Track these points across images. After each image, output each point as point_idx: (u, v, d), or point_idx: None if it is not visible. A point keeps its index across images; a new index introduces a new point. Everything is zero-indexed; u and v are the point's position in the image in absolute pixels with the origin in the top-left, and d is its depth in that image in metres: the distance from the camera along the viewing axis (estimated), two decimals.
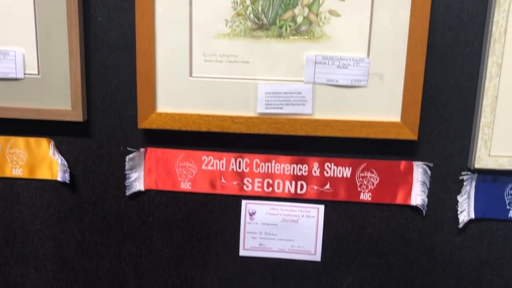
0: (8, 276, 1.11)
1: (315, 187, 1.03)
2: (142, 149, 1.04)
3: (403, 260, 1.05)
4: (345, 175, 1.02)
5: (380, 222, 1.04)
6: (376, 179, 1.02)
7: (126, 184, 1.05)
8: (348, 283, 1.06)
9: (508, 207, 1.00)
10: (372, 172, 1.01)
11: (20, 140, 1.05)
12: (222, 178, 1.04)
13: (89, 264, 1.10)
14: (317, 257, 1.06)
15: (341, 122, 0.97)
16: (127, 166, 1.04)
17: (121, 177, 1.05)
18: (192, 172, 1.05)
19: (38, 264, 1.10)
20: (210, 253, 1.07)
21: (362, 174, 1.02)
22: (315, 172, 1.02)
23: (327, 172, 1.02)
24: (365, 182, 1.02)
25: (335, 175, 1.02)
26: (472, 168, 0.98)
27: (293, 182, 1.03)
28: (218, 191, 1.05)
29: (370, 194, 1.02)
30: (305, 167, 1.02)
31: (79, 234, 1.09)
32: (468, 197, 1.00)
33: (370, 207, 1.03)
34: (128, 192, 1.05)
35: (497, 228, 1.02)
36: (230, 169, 1.04)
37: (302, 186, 1.03)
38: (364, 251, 1.05)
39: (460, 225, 1.01)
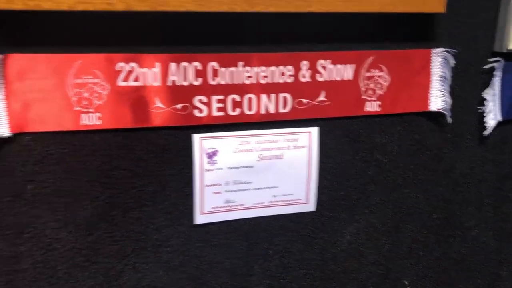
0: None
1: (305, 101, 0.67)
2: None
3: (418, 190, 0.76)
4: (346, 77, 0.68)
5: (390, 142, 0.73)
6: (387, 80, 0.69)
7: None
8: (352, 234, 0.74)
9: None
10: (381, 70, 0.69)
11: None
12: (156, 100, 0.61)
13: None
14: (311, 206, 0.71)
15: None
16: None
17: None
18: (101, 94, 0.58)
19: None
20: (144, 230, 0.64)
21: (368, 74, 0.68)
22: (303, 76, 0.66)
23: (321, 75, 0.66)
24: (372, 86, 0.69)
25: (333, 77, 0.67)
26: (506, 50, 0.72)
27: (273, 96, 0.65)
28: (150, 123, 0.61)
29: (380, 103, 0.70)
30: (289, 70, 0.65)
31: None
32: (495, 94, 0.75)
33: (378, 122, 0.71)
34: None
35: None
36: (168, 83, 0.60)
37: (285, 100, 0.66)
38: (370, 186, 0.73)
39: (487, 132, 0.76)
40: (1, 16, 0.53)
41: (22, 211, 0.59)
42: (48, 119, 0.57)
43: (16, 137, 0.57)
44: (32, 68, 0.56)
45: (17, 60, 0.55)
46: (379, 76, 0.69)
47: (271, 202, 0.69)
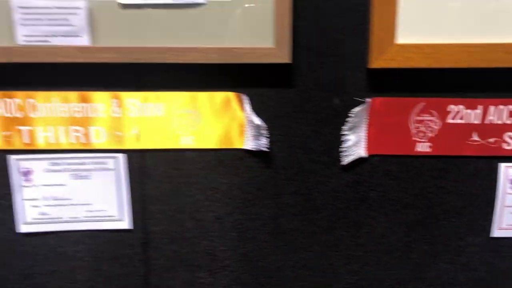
0: (176, 281, 0.82)
1: None
2: (368, 100, 0.74)
3: None
4: None
5: None
6: None
7: (340, 150, 0.76)
8: None
9: None
10: None
11: (200, 97, 0.75)
12: (474, 135, 0.76)
13: (286, 259, 0.81)
14: None
15: None
16: (347, 125, 0.75)
17: (333, 140, 0.76)
18: (434, 128, 0.76)
19: (216, 265, 0.81)
20: (450, 236, 0.80)
21: None
22: None
23: None
24: None
25: None
26: None
27: None
28: (467, 152, 0.76)
29: None
30: None
31: (272, 221, 0.80)
32: None
33: None
34: (343, 161, 0.76)
35: None
36: (487, 121, 0.75)
37: None
38: None
39: None
40: (374, 72, 0.73)
41: (364, 212, 0.79)
42: (391, 145, 0.76)
43: (368, 158, 0.77)
44: (386, 107, 0.75)
45: (378, 102, 0.75)
46: None
47: None
